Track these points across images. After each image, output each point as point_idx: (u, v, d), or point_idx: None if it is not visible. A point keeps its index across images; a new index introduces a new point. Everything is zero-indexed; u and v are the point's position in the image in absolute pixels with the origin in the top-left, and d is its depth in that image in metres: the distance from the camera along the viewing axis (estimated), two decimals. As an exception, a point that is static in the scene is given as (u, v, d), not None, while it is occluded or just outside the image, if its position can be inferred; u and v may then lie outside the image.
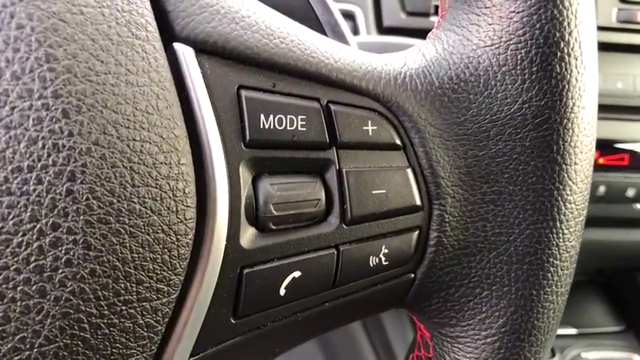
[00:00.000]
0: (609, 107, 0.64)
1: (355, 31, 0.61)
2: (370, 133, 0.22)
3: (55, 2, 0.16)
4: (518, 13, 0.21)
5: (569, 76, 0.22)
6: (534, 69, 0.21)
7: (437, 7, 0.63)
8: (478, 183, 0.23)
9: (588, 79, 0.22)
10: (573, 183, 0.23)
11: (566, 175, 0.22)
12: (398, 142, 0.22)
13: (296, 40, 0.21)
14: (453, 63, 0.23)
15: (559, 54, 0.21)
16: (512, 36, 0.22)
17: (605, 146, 0.65)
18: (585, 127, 0.22)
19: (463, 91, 0.22)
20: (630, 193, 0.65)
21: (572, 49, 0.21)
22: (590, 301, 0.89)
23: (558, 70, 0.21)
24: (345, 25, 0.29)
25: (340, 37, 0.29)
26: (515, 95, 0.22)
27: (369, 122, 0.22)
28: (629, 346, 0.83)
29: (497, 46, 0.22)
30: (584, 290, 0.90)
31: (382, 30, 0.61)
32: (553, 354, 0.82)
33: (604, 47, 0.65)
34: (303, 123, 0.21)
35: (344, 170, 0.21)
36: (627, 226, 0.69)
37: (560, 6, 0.21)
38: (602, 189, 0.65)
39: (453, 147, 0.23)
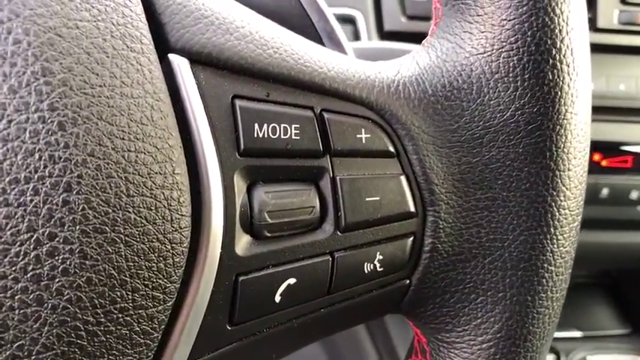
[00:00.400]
0: (612, 109, 0.64)
1: (356, 35, 0.61)
2: (364, 141, 0.22)
3: (51, 17, 0.17)
4: (509, 20, 0.22)
5: (561, 83, 0.22)
6: (526, 76, 0.22)
7: (437, 10, 0.63)
8: (472, 189, 0.23)
9: (581, 85, 0.22)
10: (567, 189, 0.23)
11: (559, 181, 0.22)
12: (391, 149, 0.23)
13: (290, 50, 0.22)
14: (446, 71, 0.23)
15: (551, 61, 0.22)
16: (504, 43, 0.22)
17: (608, 148, 0.65)
18: (578, 134, 0.23)
19: (456, 99, 0.23)
20: (634, 195, 0.65)
21: (564, 56, 0.22)
22: (595, 303, 0.89)
23: (550, 77, 0.22)
24: (341, 32, 0.30)
25: (336, 43, 0.29)
26: (507, 102, 0.22)
27: (363, 130, 0.22)
28: (635, 349, 0.82)
29: (489, 53, 0.22)
30: (590, 292, 0.90)
31: (383, 34, 0.62)
32: (558, 357, 0.81)
33: (605, 49, 0.65)
34: (297, 132, 0.21)
35: (338, 178, 0.21)
36: (631, 228, 0.69)
37: (552, 13, 0.21)
38: (605, 191, 0.65)
39: (446, 154, 0.23)
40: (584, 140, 0.23)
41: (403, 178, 0.23)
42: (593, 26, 0.63)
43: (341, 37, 0.29)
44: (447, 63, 0.23)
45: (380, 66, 0.24)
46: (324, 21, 0.29)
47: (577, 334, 0.85)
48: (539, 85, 0.22)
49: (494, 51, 0.22)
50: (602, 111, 0.64)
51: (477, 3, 0.22)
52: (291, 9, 0.29)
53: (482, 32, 0.22)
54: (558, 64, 0.22)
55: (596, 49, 0.65)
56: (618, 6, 0.62)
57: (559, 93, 0.22)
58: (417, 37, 0.62)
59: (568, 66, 0.22)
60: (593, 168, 0.65)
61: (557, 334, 0.84)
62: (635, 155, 0.65)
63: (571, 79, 0.22)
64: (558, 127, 0.22)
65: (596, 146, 0.65)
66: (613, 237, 0.70)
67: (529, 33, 0.21)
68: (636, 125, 0.65)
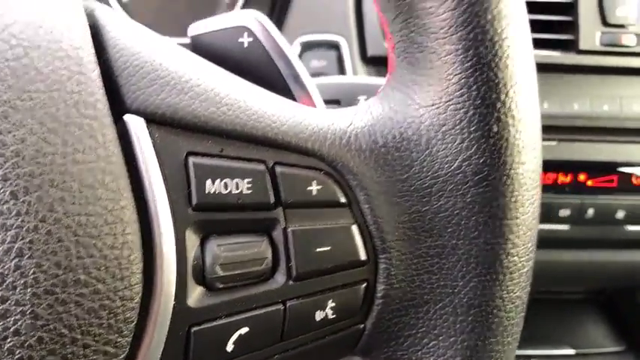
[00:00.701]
0: (597, 130, 0.65)
1: (340, 61, 0.62)
2: (315, 193, 0.23)
3: (5, 91, 0.18)
4: (456, 75, 0.22)
5: (506, 135, 0.22)
6: (472, 129, 0.22)
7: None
8: (422, 237, 0.24)
9: (527, 136, 0.23)
10: (516, 237, 0.23)
11: (507, 229, 0.23)
12: (343, 199, 0.23)
13: (244, 106, 0.22)
14: (397, 122, 0.24)
15: (495, 114, 0.22)
16: (451, 97, 0.23)
17: (594, 168, 0.65)
18: (526, 182, 0.23)
19: (406, 150, 0.23)
20: (620, 215, 0.65)
21: (508, 109, 0.22)
22: (589, 320, 0.89)
23: (495, 130, 0.22)
24: (306, 76, 0.31)
25: (302, 87, 0.30)
26: (455, 153, 0.23)
27: (315, 182, 0.23)
28: (628, 367, 0.82)
29: (437, 106, 0.23)
30: (583, 309, 0.89)
31: (366, 59, 0.63)
32: (551, 375, 0.81)
33: (589, 70, 0.65)
34: (249, 185, 0.22)
35: (289, 229, 0.22)
36: (620, 247, 0.69)
37: (495, 68, 0.22)
38: (590, 211, 0.65)
39: (397, 203, 0.24)
40: (532, 188, 0.24)
41: (355, 227, 0.23)
42: (576, 48, 0.63)
43: (306, 80, 0.30)
44: (399, 114, 0.24)
45: (334, 116, 0.25)
46: (290, 67, 0.30)
47: (570, 351, 0.84)
48: (484, 137, 0.22)
49: (442, 104, 0.23)
50: (586, 131, 0.65)
51: (425, 57, 0.23)
52: (259, 56, 0.30)
53: (431, 85, 0.23)
54: (503, 117, 0.22)
55: (579, 70, 0.65)
56: (600, 28, 0.63)
57: (504, 145, 0.22)
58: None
59: (513, 118, 0.22)
60: (579, 188, 0.65)
61: (551, 352, 0.83)
62: (621, 175, 0.65)
63: (517, 130, 0.23)
64: (505, 177, 0.23)
65: (582, 166, 0.65)
66: (603, 256, 0.70)
67: (474, 87, 0.22)
68: (621, 145, 0.65)
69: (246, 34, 0.30)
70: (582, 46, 0.63)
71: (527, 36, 0.23)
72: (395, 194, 0.24)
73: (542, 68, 0.65)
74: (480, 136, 0.22)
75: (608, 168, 0.65)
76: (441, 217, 0.23)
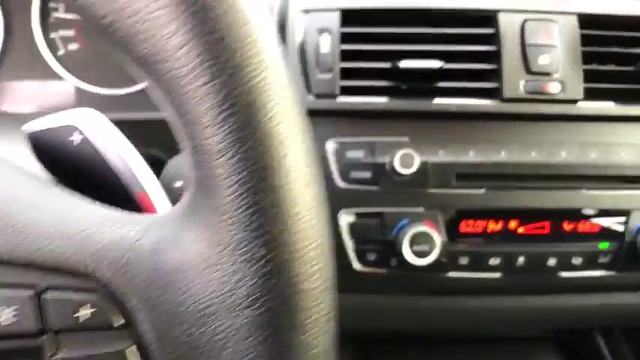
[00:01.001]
0: (525, 177, 0.64)
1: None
2: (88, 316, 0.23)
3: None
4: (224, 197, 0.23)
5: (276, 259, 0.22)
6: (241, 252, 0.22)
7: (342, 87, 0.65)
8: (203, 358, 0.23)
9: (301, 256, 0.23)
10: (296, 356, 0.23)
11: (285, 350, 0.23)
12: (120, 322, 0.23)
13: (18, 230, 0.23)
14: (181, 240, 0.24)
15: (263, 238, 0.22)
16: (222, 219, 0.23)
17: (525, 215, 0.65)
18: (303, 304, 0.23)
19: (185, 270, 0.23)
20: (552, 262, 0.64)
21: (274, 236, 0.22)
22: (544, 359, 0.86)
23: (262, 253, 0.22)
24: (145, 173, 0.31)
25: (138, 185, 0.31)
26: (229, 275, 0.23)
27: (88, 305, 0.23)
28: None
29: (212, 227, 0.23)
30: (539, 347, 0.87)
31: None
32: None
33: (514, 118, 0.65)
34: (15, 312, 0.22)
35: (57, 357, 0.22)
36: (554, 293, 0.68)
37: (259, 195, 0.22)
38: (521, 259, 0.64)
39: (178, 323, 0.24)
40: (311, 308, 0.23)
41: (132, 349, 0.23)
42: (501, 96, 0.63)
43: (143, 178, 0.31)
44: (182, 233, 0.24)
45: (126, 229, 0.25)
46: (124, 165, 0.31)
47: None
48: (253, 260, 0.22)
49: (216, 225, 0.23)
50: (515, 179, 0.64)
51: (202, 177, 0.23)
52: (90, 155, 0.31)
53: (208, 206, 0.23)
54: (269, 241, 0.22)
55: (505, 117, 0.65)
56: (524, 76, 0.63)
57: (274, 268, 0.22)
58: (325, 114, 0.63)
59: (281, 242, 0.22)
60: (509, 236, 0.65)
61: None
62: (552, 222, 0.64)
63: (288, 252, 0.23)
64: (278, 299, 0.23)
65: (512, 213, 0.65)
66: (539, 301, 0.69)
67: (239, 211, 0.22)
68: (551, 192, 0.64)
69: (77, 132, 0.31)
70: (506, 94, 0.63)
71: (300, 159, 0.23)
72: (175, 314, 0.24)
73: (468, 117, 0.65)
74: (249, 259, 0.22)
75: (539, 215, 0.65)
76: (218, 339, 0.23)
